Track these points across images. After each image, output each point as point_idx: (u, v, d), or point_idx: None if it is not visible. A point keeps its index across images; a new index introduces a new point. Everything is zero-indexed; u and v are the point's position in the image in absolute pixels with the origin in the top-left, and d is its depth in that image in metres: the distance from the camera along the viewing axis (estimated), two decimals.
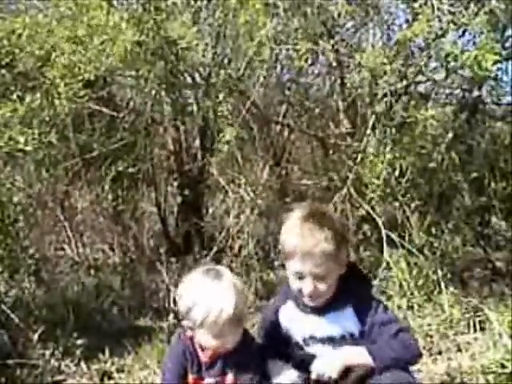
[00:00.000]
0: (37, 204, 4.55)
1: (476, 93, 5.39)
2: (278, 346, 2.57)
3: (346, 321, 2.45)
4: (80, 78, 3.67)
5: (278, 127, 5.70)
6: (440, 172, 5.09)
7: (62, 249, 4.81)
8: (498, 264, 5.19)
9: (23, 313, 4.16)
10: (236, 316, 2.40)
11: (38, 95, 3.80)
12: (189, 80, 4.60)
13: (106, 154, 4.63)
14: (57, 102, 3.71)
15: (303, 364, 2.50)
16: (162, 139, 5.30)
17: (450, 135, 5.16)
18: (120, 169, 4.54)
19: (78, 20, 3.67)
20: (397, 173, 4.82)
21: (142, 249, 5.05)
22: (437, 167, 5.08)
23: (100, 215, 5.02)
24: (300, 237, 2.36)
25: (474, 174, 5.15)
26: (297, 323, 2.53)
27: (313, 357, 2.48)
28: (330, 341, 2.49)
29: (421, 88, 5.01)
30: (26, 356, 3.88)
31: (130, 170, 4.55)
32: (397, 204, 4.85)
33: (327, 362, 2.41)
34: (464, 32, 4.40)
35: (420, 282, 4.35)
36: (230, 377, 2.51)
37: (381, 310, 2.47)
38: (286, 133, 5.79)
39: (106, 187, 4.82)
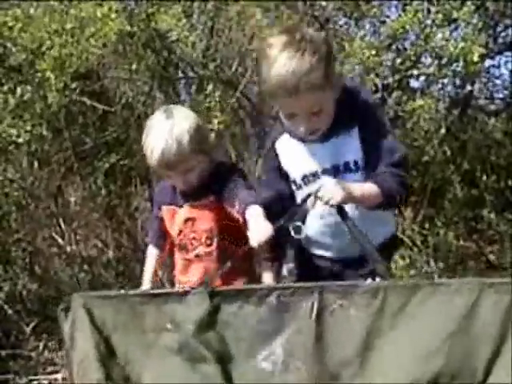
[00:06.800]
0: (30, 197, 4.54)
1: (469, 88, 5.42)
2: (279, 182, 2.29)
3: (350, 144, 2.16)
4: (70, 70, 3.67)
5: (272, 122, 5.69)
6: (433, 165, 5.10)
7: (56, 242, 4.78)
8: (491, 257, 5.20)
9: (17, 306, 4.16)
10: (168, 159, 2.24)
11: (29, 88, 3.81)
12: (180, 73, 4.60)
13: (99, 147, 4.62)
14: (48, 94, 3.70)
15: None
16: None
17: (443, 131, 5.17)
18: (112, 161, 4.52)
19: (68, 12, 3.68)
20: None
21: (136, 244, 5.03)
22: (430, 161, 5.09)
23: (93, 210, 5.00)
24: (280, 72, 2.00)
25: (466, 166, 5.16)
26: (294, 157, 2.22)
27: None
28: (333, 171, 2.18)
29: (414, 83, 5.03)
30: (20, 348, 3.89)
31: (122, 162, 4.53)
32: None
33: (330, 187, 2.03)
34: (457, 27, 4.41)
35: (412, 273, 4.36)
36: (211, 198, 2.39)
37: (389, 137, 2.18)
38: None
39: (99, 182, 4.81)
